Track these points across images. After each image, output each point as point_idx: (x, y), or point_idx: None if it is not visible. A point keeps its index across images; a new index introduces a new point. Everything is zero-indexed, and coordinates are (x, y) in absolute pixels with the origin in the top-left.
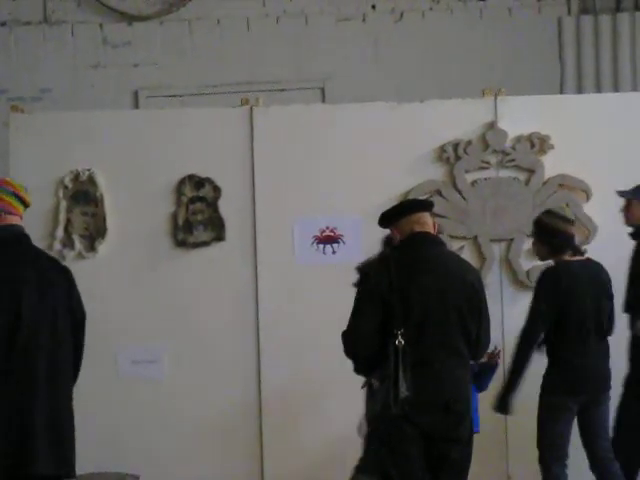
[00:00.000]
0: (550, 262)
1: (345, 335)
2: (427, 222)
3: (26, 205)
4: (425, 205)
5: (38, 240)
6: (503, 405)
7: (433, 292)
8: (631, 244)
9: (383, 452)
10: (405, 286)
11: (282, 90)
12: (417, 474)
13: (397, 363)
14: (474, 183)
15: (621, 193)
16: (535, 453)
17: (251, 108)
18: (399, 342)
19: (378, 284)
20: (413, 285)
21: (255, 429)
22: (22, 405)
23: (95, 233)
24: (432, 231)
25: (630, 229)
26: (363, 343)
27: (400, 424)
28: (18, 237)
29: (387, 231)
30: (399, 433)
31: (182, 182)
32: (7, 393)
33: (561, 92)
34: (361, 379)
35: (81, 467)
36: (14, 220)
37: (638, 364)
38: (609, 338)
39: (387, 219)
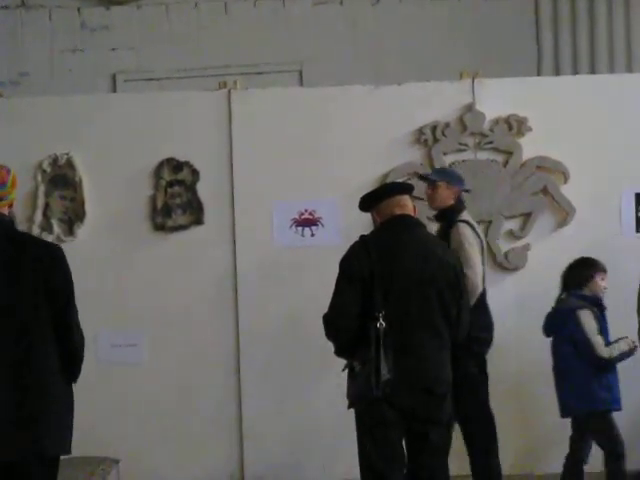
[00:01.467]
0: None
1: (326, 318)
2: (407, 205)
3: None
4: (405, 188)
5: (17, 224)
6: None
7: (413, 274)
8: (610, 227)
9: (364, 435)
10: (385, 269)
11: (260, 73)
12: (397, 457)
13: (378, 345)
14: (452, 165)
15: (425, 176)
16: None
17: (229, 91)
18: (380, 324)
19: (358, 266)
20: (393, 268)
21: (235, 412)
22: None
23: (74, 217)
24: (412, 214)
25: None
26: (344, 326)
27: (381, 406)
28: None
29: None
30: (380, 416)
31: (160, 165)
32: None
33: (538, 74)
34: (342, 361)
35: None
36: None
37: None
38: None
39: (367, 202)
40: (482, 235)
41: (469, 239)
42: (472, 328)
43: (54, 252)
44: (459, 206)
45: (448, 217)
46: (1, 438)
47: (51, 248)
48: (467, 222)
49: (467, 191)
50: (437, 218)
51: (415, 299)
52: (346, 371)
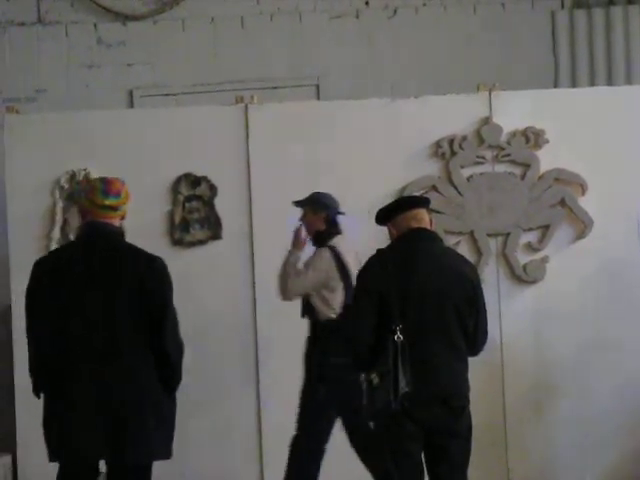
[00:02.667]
0: None
1: (343, 331)
2: (424, 218)
3: (104, 206)
4: (421, 201)
5: (34, 240)
6: None
7: (430, 287)
8: (628, 238)
9: (384, 450)
10: (402, 282)
11: (276, 88)
12: (416, 471)
13: (396, 359)
14: (470, 178)
15: (296, 203)
16: (534, 446)
17: (246, 106)
18: (398, 338)
19: (375, 280)
20: (410, 281)
21: (254, 424)
22: (69, 395)
23: None
24: (429, 227)
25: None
26: (361, 339)
27: (400, 420)
28: (88, 233)
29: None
30: (399, 430)
31: (178, 181)
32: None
33: (555, 86)
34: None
35: None
36: (94, 219)
37: None
38: None
39: (384, 216)
40: (353, 263)
41: (315, 264)
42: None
43: (152, 262)
44: (330, 230)
45: (319, 241)
46: (92, 444)
47: (150, 258)
48: (332, 248)
49: (341, 213)
50: (313, 242)
51: (432, 312)
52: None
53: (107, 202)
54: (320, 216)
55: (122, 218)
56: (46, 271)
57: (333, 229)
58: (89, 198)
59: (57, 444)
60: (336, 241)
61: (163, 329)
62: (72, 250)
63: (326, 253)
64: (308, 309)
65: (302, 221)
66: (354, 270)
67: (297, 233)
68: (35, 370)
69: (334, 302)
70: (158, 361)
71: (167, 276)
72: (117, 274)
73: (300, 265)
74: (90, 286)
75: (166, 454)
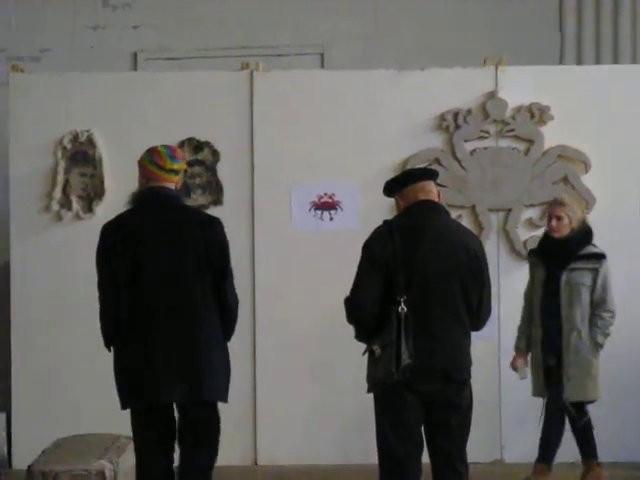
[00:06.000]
0: None
1: (348, 301)
2: (432, 190)
3: (171, 170)
4: (430, 174)
5: (35, 200)
6: None
7: (436, 260)
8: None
9: (383, 420)
10: (408, 253)
11: (280, 55)
12: (415, 442)
13: (399, 330)
14: (473, 152)
15: None
16: (529, 423)
17: (251, 72)
18: (402, 309)
19: (381, 251)
20: (416, 252)
21: (250, 397)
22: (146, 343)
23: (93, 194)
24: (437, 200)
25: None
26: (366, 310)
27: (401, 391)
28: (154, 197)
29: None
30: (399, 400)
31: (181, 145)
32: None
33: (560, 62)
34: (361, 346)
35: (77, 427)
36: (157, 183)
37: None
38: None
39: (392, 187)
40: None
41: None
42: None
43: (213, 223)
44: None
45: None
46: (170, 386)
47: (211, 219)
48: None
49: None
50: None
51: (437, 285)
52: (366, 355)
53: (175, 166)
54: None
55: (178, 182)
56: (117, 231)
57: None
58: (157, 163)
59: (133, 392)
60: None
61: (225, 283)
62: (139, 212)
63: None
64: None
65: None
66: None
67: None
68: (109, 323)
69: None
70: (221, 311)
71: (225, 234)
72: (184, 233)
73: None
74: (160, 245)
75: (226, 397)
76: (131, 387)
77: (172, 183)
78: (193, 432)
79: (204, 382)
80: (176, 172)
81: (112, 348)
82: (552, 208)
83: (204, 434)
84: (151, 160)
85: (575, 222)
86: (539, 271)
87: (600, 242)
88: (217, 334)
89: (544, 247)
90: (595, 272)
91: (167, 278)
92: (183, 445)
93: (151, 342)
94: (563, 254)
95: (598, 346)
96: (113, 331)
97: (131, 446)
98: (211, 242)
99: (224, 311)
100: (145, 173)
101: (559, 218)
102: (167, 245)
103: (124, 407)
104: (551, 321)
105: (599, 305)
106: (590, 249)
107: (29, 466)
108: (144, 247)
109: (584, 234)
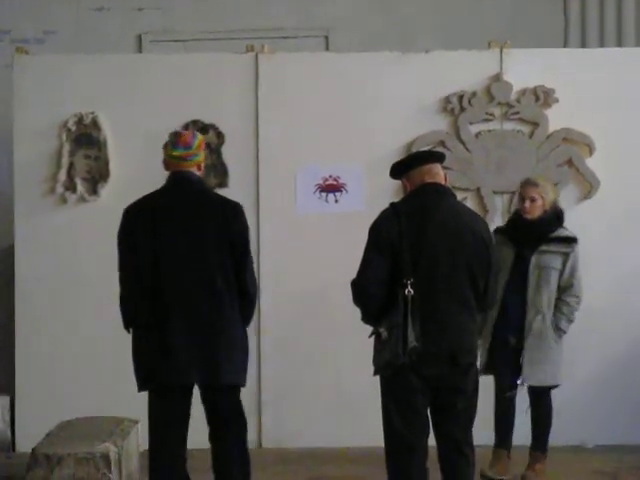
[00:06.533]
0: None
1: (355, 283)
2: (438, 173)
3: (176, 157)
4: (437, 156)
5: (40, 182)
6: None
7: (443, 243)
8: (635, 200)
9: (389, 402)
10: (415, 236)
11: (286, 37)
12: (421, 425)
13: (406, 313)
14: (478, 135)
15: None
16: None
17: (256, 55)
18: (408, 292)
19: (388, 233)
20: (423, 235)
21: (254, 378)
22: (164, 326)
23: (98, 176)
24: (443, 182)
25: None
26: (372, 292)
27: (407, 374)
28: (175, 181)
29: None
30: (405, 383)
31: (186, 127)
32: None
33: (564, 46)
34: (367, 328)
35: (80, 410)
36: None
37: None
38: None
39: (398, 170)
40: None
41: None
42: None
43: (234, 207)
44: None
45: None
46: (187, 368)
47: (232, 203)
48: None
49: None
50: None
51: (444, 268)
52: (372, 338)
53: (175, 153)
54: None
55: (198, 168)
56: (139, 215)
57: None
58: (165, 150)
59: (150, 373)
60: None
61: (244, 267)
62: (160, 196)
63: None
64: None
65: None
66: None
67: None
68: (129, 306)
69: None
70: (240, 296)
71: (246, 219)
72: (203, 218)
73: None
74: (179, 229)
75: (244, 381)
76: (148, 369)
77: (189, 168)
78: (216, 415)
79: (221, 365)
80: (181, 158)
81: (131, 330)
82: (525, 189)
83: (227, 417)
84: (164, 146)
85: (547, 204)
86: (507, 251)
87: (604, 225)
88: (235, 318)
89: (514, 227)
90: (566, 256)
91: (185, 262)
92: (211, 428)
93: (169, 325)
94: (534, 236)
95: (561, 332)
96: (134, 314)
97: (135, 429)
98: (231, 227)
99: (243, 296)
100: (163, 159)
101: (533, 199)
102: (186, 229)
103: (141, 389)
104: (515, 302)
105: (566, 289)
106: (562, 232)
107: (33, 449)
108: (163, 231)
109: (556, 216)
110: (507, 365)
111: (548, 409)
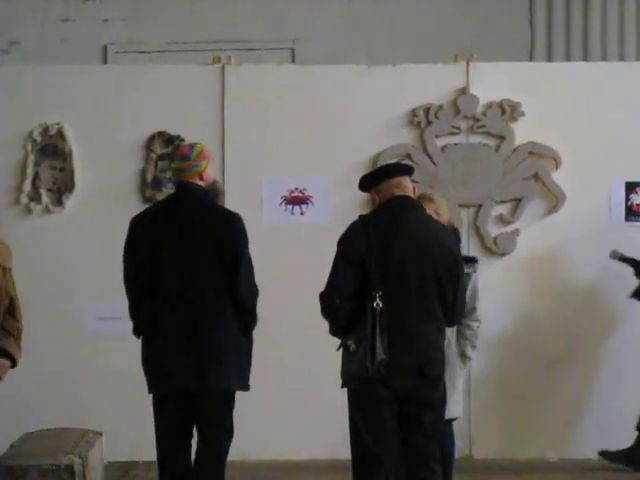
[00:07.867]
0: None
1: (323, 296)
2: (407, 186)
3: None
4: (406, 169)
5: (5, 193)
6: None
7: (411, 256)
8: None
9: (356, 415)
10: (384, 249)
11: (252, 50)
12: (389, 438)
13: (374, 325)
14: (444, 148)
15: None
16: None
17: (223, 66)
18: (377, 304)
19: (357, 246)
20: (392, 248)
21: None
22: (162, 334)
23: (63, 187)
24: (412, 195)
25: None
26: (341, 305)
27: (375, 386)
28: (178, 190)
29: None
30: (373, 395)
31: (152, 139)
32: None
33: (531, 59)
34: (335, 340)
35: (45, 422)
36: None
37: None
38: None
39: (367, 182)
40: None
41: None
42: None
43: (231, 217)
44: None
45: None
46: (181, 374)
47: (229, 214)
48: None
49: None
50: None
51: (412, 281)
52: (340, 351)
53: (173, 165)
54: None
55: (201, 177)
56: (141, 226)
57: None
58: (169, 162)
59: (154, 377)
60: None
61: (238, 277)
62: (164, 205)
63: None
64: None
65: None
66: None
67: None
68: (136, 316)
69: None
70: (236, 304)
71: (244, 230)
72: (199, 226)
73: None
74: (177, 239)
75: (244, 386)
76: (151, 375)
77: (190, 179)
78: (204, 419)
79: (212, 371)
80: (180, 170)
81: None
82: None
83: (214, 422)
84: (176, 159)
85: (443, 222)
86: None
87: (569, 240)
88: (230, 326)
89: None
90: (467, 277)
91: (181, 272)
92: (198, 431)
93: (166, 334)
94: None
95: (467, 359)
96: (140, 323)
97: (100, 441)
98: (225, 237)
99: (237, 304)
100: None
101: None
102: (182, 238)
103: (150, 391)
104: None
105: (468, 313)
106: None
107: None
108: (161, 241)
109: (454, 236)
110: None
111: (452, 440)
